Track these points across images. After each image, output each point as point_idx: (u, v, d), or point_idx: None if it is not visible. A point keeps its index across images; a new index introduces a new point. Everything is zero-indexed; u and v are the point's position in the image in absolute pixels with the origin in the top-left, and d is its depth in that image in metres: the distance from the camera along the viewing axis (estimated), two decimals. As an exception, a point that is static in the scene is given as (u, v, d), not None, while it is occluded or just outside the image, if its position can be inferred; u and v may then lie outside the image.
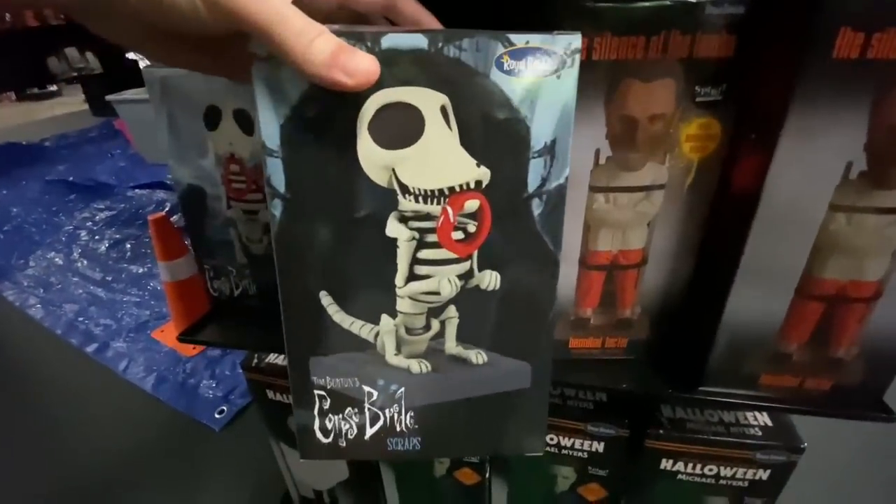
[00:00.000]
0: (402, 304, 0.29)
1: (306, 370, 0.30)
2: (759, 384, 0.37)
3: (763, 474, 0.44)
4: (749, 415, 0.45)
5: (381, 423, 0.31)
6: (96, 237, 1.77)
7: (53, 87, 4.63)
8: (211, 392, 1.06)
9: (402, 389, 0.31)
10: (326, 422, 0.31)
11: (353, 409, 0.31)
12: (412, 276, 0.28)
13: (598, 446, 0.47)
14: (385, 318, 0.29)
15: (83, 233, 1.80)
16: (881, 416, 0.36)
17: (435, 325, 0.30)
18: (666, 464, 0.45)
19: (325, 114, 0.25)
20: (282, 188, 0.26)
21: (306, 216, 0.27)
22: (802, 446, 0.42)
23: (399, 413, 0.31)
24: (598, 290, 0.39)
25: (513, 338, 0.30)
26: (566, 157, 0.26)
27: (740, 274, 0.33)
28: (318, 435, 0.32)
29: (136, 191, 2.03)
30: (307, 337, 0.29)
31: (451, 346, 0.30)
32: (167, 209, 1.79)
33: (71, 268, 1.62)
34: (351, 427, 0.31)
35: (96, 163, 2.47)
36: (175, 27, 0.18)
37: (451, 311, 0.29)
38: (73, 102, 4.13)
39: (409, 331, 0.30)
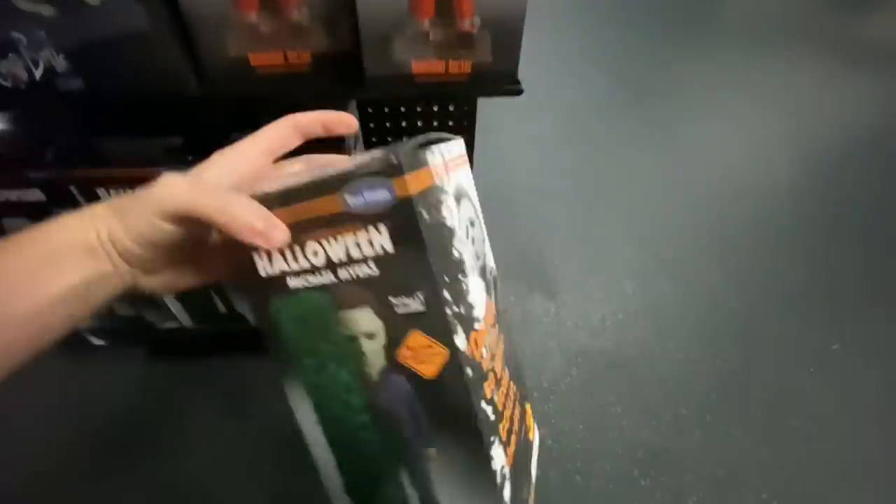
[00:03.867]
0: None
1: None
2: (413, 74, 0.40)
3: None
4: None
5: (41, 67, 0.38)
6: None
7: None
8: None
9: (43, 32, 0.36)
10: None
11: (13, 54, 0.36)
12: None
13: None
14: None
15: None
16: (514, 91, 0.41)
17: None
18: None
19: None
20: None
21: None
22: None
23: (54, 55, 0.37)
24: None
25: None
26: None
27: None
28: None
29: None
30: None
31: None
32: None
33: None
34: (20, 70, 0.37)
35: None
36: (163, 251, 0.21)
37: None
38: None
39: None
